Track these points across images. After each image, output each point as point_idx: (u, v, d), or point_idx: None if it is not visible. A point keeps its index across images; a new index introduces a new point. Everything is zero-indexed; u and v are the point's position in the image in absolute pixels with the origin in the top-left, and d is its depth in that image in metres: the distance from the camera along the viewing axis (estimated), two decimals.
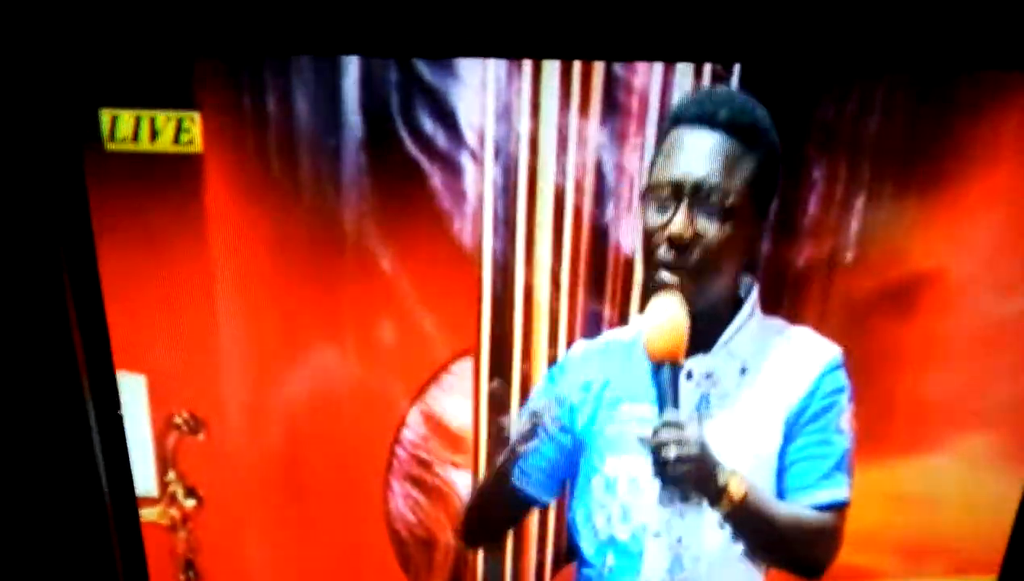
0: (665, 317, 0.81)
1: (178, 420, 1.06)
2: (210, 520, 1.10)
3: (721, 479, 0.81)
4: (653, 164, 0.85)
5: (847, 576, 1.04)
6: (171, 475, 1.08)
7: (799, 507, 0.87)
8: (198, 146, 0.92)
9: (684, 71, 0.89)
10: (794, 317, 0.96)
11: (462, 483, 1.07)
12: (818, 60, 0.87)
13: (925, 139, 0.90)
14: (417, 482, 1.07)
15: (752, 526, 0.85)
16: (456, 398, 1.03)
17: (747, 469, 0.84)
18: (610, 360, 0.93)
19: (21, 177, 0.93)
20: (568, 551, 1.04)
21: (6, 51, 0.87)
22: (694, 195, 0.80)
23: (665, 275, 0.82)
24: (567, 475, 0.96)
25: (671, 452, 0.79)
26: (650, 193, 0.83)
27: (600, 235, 0.95)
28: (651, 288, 0.85)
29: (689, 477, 0.80)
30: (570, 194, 0.94)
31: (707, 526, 0.87)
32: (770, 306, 0.94)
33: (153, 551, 1.12)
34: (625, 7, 0.84)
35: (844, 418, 0.88)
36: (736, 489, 0.81)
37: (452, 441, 1.05)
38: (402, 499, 1.09)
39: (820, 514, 0.87)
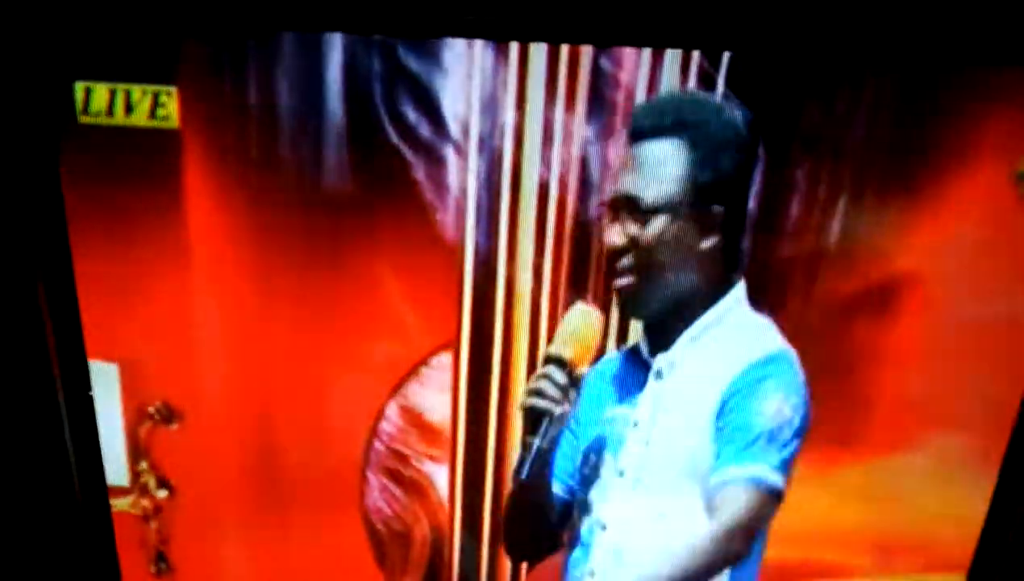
0: (578, 323, 0.87)
1: (151, 409, 1.04)
2: (182, 511, 1.09)
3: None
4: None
5: (819, 573, 1.06)
6: (143, 465, 1.07)
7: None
8: (174, 122, 0.91)
9: (670, 67, 0.89)
10: (772, 316, 0.94)
11: (439, 477, 1.07)
12: (802, 58, 0.87)
13: (906, 141, 0.91)
14: (394, 475, 1.07)
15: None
16: (435, 392, 1.03)
17: (688, 448, 0.86)
18: (606, 378, 0.95)
19: None
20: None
21: None
22: (625, 205, 0.84)
23: (617, 282, 0.86)
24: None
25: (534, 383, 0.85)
26: (605, 216, 0.87)
27: (583, 230, 0.95)
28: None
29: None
30: (554, 188, 0.94)
31: (649, 518, 0.88)
32: (752, 302, 0.93)
33: (124, 541, 1.11)
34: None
35: (767, 404, 0.85)
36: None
37: (430, 435, 1.05)
38: (379, 492, 1.08)
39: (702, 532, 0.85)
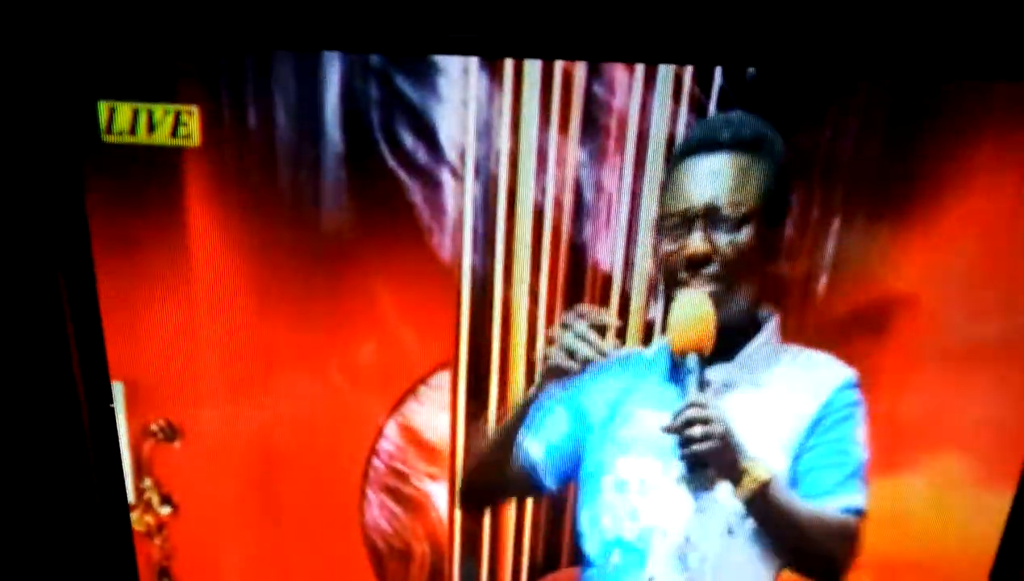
0: (693, 310, 0.84)
1: (154, 427, 1.05)
2: (185, 528, 1.10)
3: (744, 461, 0.81)
4: (663, 197, 0.87)
5: None
6: (147, 482, 1.08)
7: (819, 505, 0.89)
8: (196, 140, 0.92)
9: (663, 91, 0.90)
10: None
11: (438, 494, 1.07)
12: (795, 79, 0.88)
13: (900, 159, 0.91)
14: (393, 493, 1.07)
15: (773, 515, 0.85)
16: (433, 410, 1.03)
17: (766, 457, 0.85)
18: (629, 370, 0.94)
19: (18, 174, 0.93)
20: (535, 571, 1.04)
21: (4, 41, 0.87)
22: (707, 215, 0.83)
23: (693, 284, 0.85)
24: (571, 467, 0.95)
25: (697, 430, 0.80)
26: (662, 222, 0.86)
27: (578, 251, 0.96)
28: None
29: (714, 457, 0.80)
30: (549, 210, 0.95)
31: (716, 528, 0.88)
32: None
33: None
34: (605, 13, 0.86)
35: (860, 431, 0.90)
36: (761, 471, 0.82)
37: (429, 453, 1.05)
38: (378, 510, 1.09)
39: (840, 514, 0.89)
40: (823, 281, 0.95)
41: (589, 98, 0.90)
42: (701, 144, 0.84)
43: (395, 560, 1.11)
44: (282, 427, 1.05)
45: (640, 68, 0.89)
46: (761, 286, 0.87)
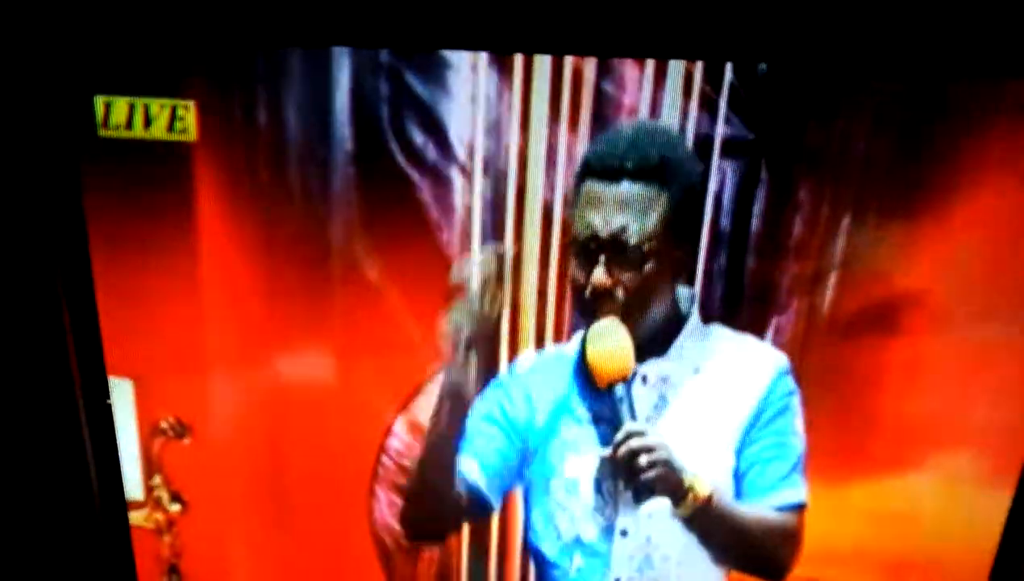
0: (607, 341, 0.84)
1: (164, 425, 1.06)
2: (195, 525, 1.10)
3: (687, 480, 0.82)
4: (572, 216, 0.87)
5: None
6: (156, 479, 1.08)
7: (761, 508, 0.89)
8: (192, 135, 0.92)
9: (673, 87, 0.89)
10: (778, 334, 0.96)
11: None
12: (804, 76, 0.88)
13: (909, 157, 0.90)
14: (402, 491, 1.07)
15: (716, 527, 0.86)
16: None
17: (705, 471, 0.85)
18: (563, 370, 0.93)
19: (14, 169, 0.93)
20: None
21: (0, 36, 0.87)
22: (610, 249, 0.83)
23: (598, 314, 0.85)
24: (511, 479, 0.95)
25: (642, 459, 0.80)
26: (572, 246, 0.86)
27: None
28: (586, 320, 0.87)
29: (659, 482, 0.81)
30: (557, 208, 0.94)
31: (675, 525, 0.88)
32: (755, 324, 0.95)
33: (138, 555, 1.12)
34: (614, 12, 0.85)
35: (797, 421, 0.90)
36: (701, 489, 0.83)
37: None
38: (387, 507, 1.09)
39: (783, 515, 0.89)
40: (831, 278, 0.95)
41: (599, 94, 0.90)
42: (606, 171, 0.83)
43: (403, 558, 1.11)
44: (291, 424, 1.05)
45: (650, 64, 0.89)
46: (674, 278, 0.87)
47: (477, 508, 0.92)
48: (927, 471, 1.03)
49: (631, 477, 0.81)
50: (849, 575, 1.06)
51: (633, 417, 0.82)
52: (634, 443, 0.81)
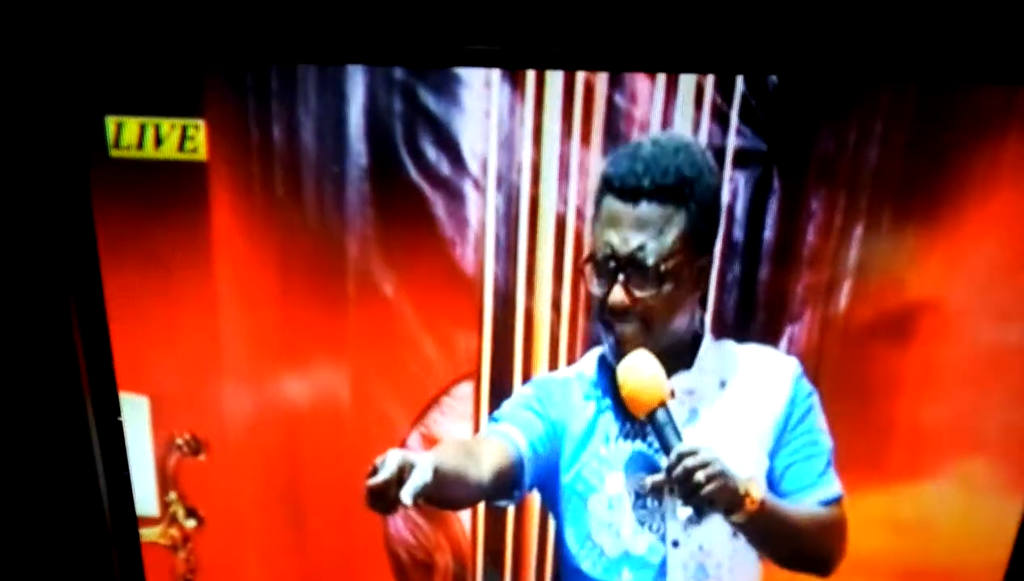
0: (638, 374, 0.83)
1: (179, 441, 1.06)
2: (210, 541, 1.10)
3: (741, 488, 0.82)
4: (593, 231, 0.87)
5: None
6: (172, 495, 1.08)
7: (807, 505, 0.89)
8: (203, 154, 0.93)
9: (684, 99, 0.90)
10: (792, 344, 0.97)
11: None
12: (816, 85, 0.88)
13: (921, 164, 0.91)
14: (417, 505, 1.07)
15: (769, 529, 0.86)
16: (456, 421, 1.03)
17: (744, 476, 0.85)
18: (584, 392, 0.93)
19: (25, 188, 0.93)
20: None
21: (11, 56, 0.87)
22: (628, 267, 0.83)
23: (617, 332, 0.85)
24: (542, 474, 0.92)
25: (699, 476, 0.79)
26: (589, 261, 0.86)
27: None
28: (607, 344, 0.87)
29: (719, 494, 0.80)
30: (571, 221, 0.95)
31: (723, 531, 0.88)
32: (769, 334, 0.96)
33: (153, 571, 1.12)
34: (625, 24, 0.86)
35: (821, 418, 0.91)
36: (756, 493, 0.82)
37: None
38: (402, 522, 1.09)
39: (828, 509, 0.90)
40: (845, 287, 0.95)
41: (611, 108, 0.90)
42: (625, 190, 0.82)
43: (418, 572, 1.11)
44: (305, 440, 1.05)
45: (661, 78, 0.89)
46: (690, 305, 0.87)
47: (512, 481, 0.88)
48: (943, 479, 1.02)
49: (691, 494, 0.80)
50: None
51: (679, 438, 0.82)
52: (689, 462, 0.80)
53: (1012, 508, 1.03)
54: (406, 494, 0.71)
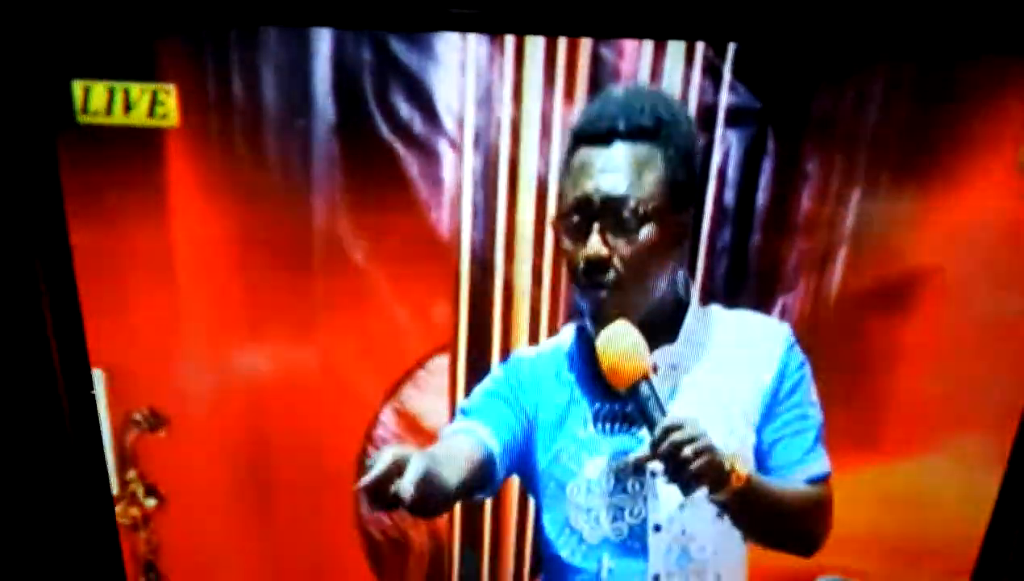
0: (622, 345, 0.80)
1: (138, 417, 1.03)
2: (172, 520, 1.08)
3: (727, 463, 0.80)
4: (561, 189, 0.83)
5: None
6: (131, 473, 1.06)
7: (792, 482, 0.87)
8: (173, 120, 0.91)
9: (674, 56, 0.87)
10: (785, 314, 0.95)
11: None
12: (812, 46, 0.85)
13: (921, 132, 0.89)
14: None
15: (753, 507, 0.84)
16: (431, 396, 1.01)
17: (729, 451, 0.83)
18: (563, 367, 0.90)
19: None
20: (538, 565, 1.01)
21: None
22: (604, 214, 0.79)
23: (596, 293, 0.81)
24: (516, 462, 0.90)
25: (686, 451, 0.77)
26: (562, 220, 0.82)
27: None
28: (586, 310, 0.83)
29: (706, 469, 0.78)
30: (553, 184, 0.91)
31: (707, 513, 0.86)
32: (761, 303, 0.94)
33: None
34: None
35: (812, 391, 0.89)
36: (741, 469, 0.80)
37: (427, 440, 1.02)
38: None
39: (815, 486, 0.88)
40: (840, 255, 0.93)
41: (596, 62, 0.87)
42: (597, 134, 0.79)
43: (393, 551, 1.09)
44: (272, 414, 1.02)
45: None
46: (671, 262, 0.83)
47: (484, 478, 0.86)
48: (937, 454, 1.02)
49: (678, 471, 0.78)
50: (856, 559, 1.05)
51: (663, 412, 0.79)
52: (676, 437, 0.77)
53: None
54: (408, 483, 0.67)
